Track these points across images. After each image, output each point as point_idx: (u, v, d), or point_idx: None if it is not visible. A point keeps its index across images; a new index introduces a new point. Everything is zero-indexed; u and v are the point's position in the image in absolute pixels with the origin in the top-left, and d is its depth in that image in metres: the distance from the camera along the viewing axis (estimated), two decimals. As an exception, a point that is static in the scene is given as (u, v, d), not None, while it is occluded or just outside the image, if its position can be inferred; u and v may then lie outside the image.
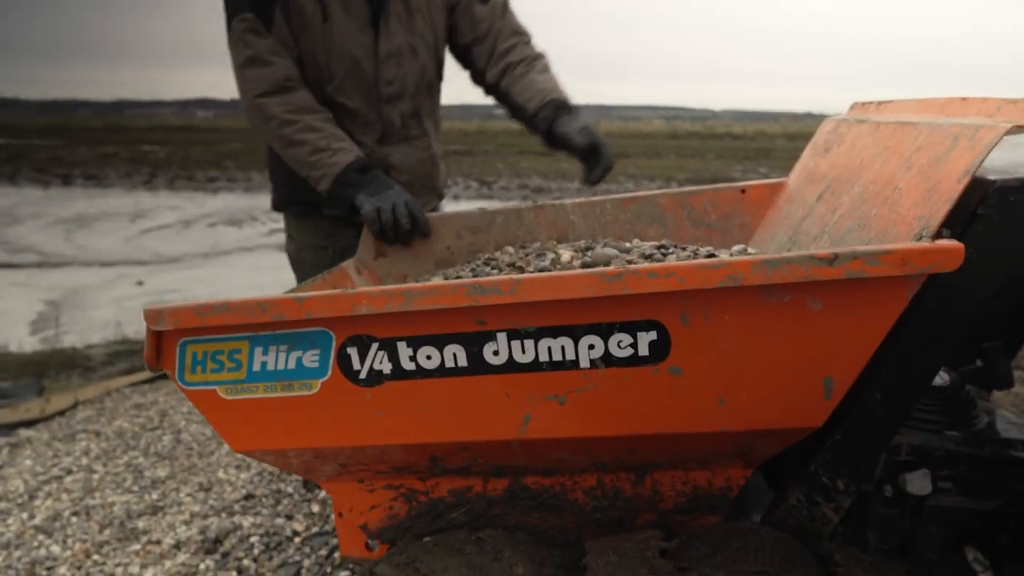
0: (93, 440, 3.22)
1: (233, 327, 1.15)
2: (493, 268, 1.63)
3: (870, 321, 1.04)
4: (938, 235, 1.02)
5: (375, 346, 1.14)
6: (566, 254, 1.56)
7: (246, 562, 2.10)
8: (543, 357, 1.11)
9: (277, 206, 2.23)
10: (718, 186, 1.93)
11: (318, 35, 1.91)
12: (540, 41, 2.18)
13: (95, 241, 11.36)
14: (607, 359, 1.10)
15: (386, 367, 1.15)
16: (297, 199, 2.12)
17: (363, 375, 1.16)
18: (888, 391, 1.16)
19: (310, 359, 1.17)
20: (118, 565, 2.15)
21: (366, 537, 1.43)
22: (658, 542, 1.19)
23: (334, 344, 1.15)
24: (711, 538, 1.20)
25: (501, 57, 2.10)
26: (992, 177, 1.06)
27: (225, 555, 2.15)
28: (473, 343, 1.12)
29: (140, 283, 8.46)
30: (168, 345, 1.18)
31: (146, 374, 4.42)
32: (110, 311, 7.06)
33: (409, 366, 1.15)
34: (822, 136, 1.74)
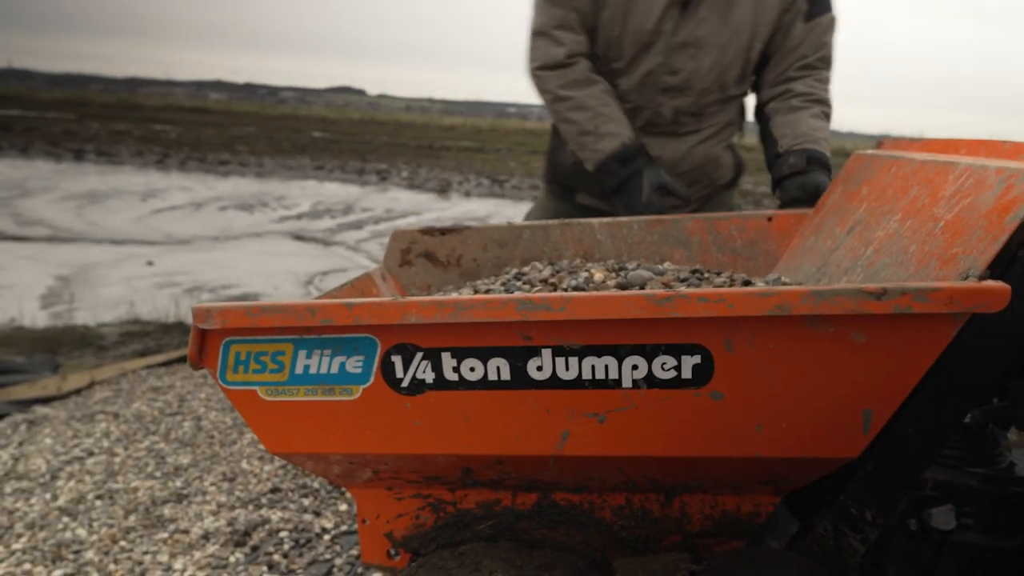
0: (112, 422, 3.23)
1: (280, 329, 1.16)
2: (525, 283, 1.64)
3: (912, 357, 1.06)
4: (984, 276, 1.04)
5: (419, 355, 1.15)
6: (599, 274, 1.58)
7: (276, 557, 2.10)
8: (586, 375, 1.13)
9: (544, 176, 2.24)
10: (745, 213, 1.96)
11: (619, 12, 1.87)
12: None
13: (105, 218, 11.46)
14: (650, 380, 1.11)
15: (429, 377, 1.16)
16: (557, 180, 2.15)
17: (405, 383, 1.17)
18: (922, 427, 1.17)
19: (353, 364, 1.18)
20: (146, 553, 2.15)
21: (389, 545, 1.44)
22: (687, 564, 1.20)
23: (379, 351, 1.16)
24: (739, 562, 1.21)
25: (786, 81, 1.94)
26: None
27: (255, 549, 2.15)
28: (518, 357, 1.13)
29: (150, 263, 8.47)
30: (212, 344, 1.19)
31: (162, 357, 4.44)
32: (120, 289, 7.09)
33: (452, 377, 1.16)
34: (852, 170, 1.77)
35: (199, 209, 12.78)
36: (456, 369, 1.15)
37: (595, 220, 1.99)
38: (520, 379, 1.14)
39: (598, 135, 1.87)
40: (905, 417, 1.16)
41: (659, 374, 1.11)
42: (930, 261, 1.17)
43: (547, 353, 1.12)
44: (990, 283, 1.00)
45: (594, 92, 1.89)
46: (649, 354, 1.10)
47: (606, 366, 1.12)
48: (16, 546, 2.24)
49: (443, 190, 17.55)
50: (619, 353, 1.11)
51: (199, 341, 1.19)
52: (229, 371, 1.21)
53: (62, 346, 4.87)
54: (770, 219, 1.93)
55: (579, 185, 2.10)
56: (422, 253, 2.03)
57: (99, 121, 30.24)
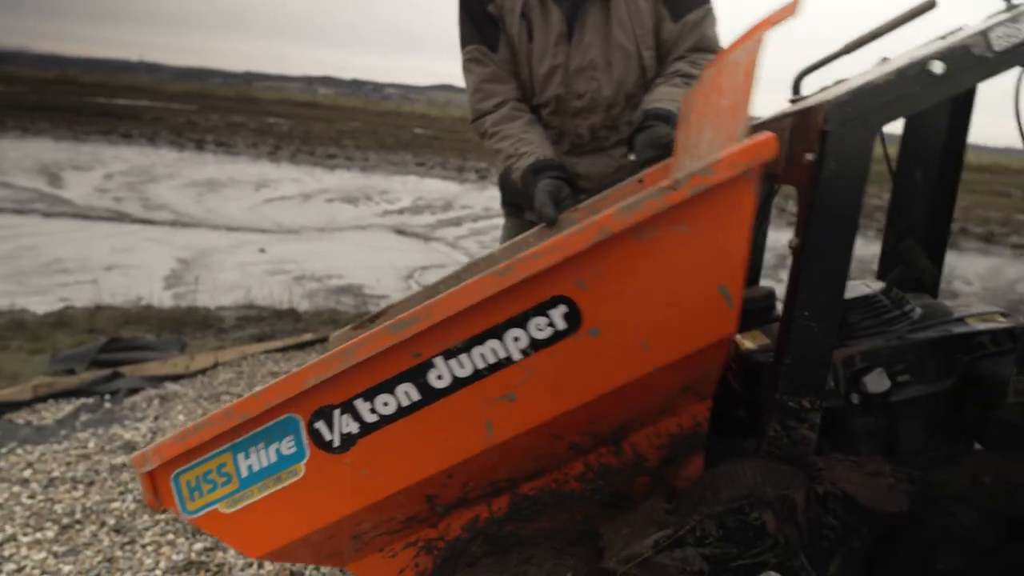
0: (241, 397, 3.45)
1: (211, 442, 1.26)
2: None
3: (733, 223, 1.17)
4: (751, 134, 1.16)
5: (337, 412, 1.26)
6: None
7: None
8: (480, 365, 1.23)
9: (501, 199, 2.49)
10: (618, 184, 2.08)
11: (524, 55, 2.15)
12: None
13: (222, 205, 11.97)
14: (534, 344, 1.22)
15: (353, 427, 1.26)
16: (507, 201, 2.42)
17: (336, 443, 1.27)
18: (813, 305, 1.24)
19: (287, 446, 1.28)
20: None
21: (408, 606, 1.49)
22: (662, 505, 1.26)
23: (302, 424, 1.26)
24: (703, 483, 1.27)
25: (659, 77, 2.13)
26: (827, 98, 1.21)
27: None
28: (417, 376, 1.23)
29: (262, 250, 8.80)
30: (162, 483, 1.29)
31: (279, 343, 4.68)
32: (235, 275, 7.41)
33: (372, 419, 1.26)
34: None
35: (307, 200, 13.17)
36: (373, 410, 1.26)
37: (498, 248, 2.12)
38: (428, 394, 1.24)
39: (518, 156, 2.15)
40: (795, 303, 1.24)
41: (538, 335, 1.21)
42: (725, 144, 1.29)
43: (439, 361, 1.23)
44: (755, 136, 1.12)
45: (517, 125, 2.18)
46: (521, 322, 1.21)
47: (492, 349, 1.22)
48: (160, 516, 2.48)
49: (539, 191, 17.71)
50: (498, 333, 1.21)
51: (151, 485, 1.29)
52: (187, 501, 1.31)
53: (186, 326, 5.13)
54: (641, 180, 2.05)
55: (524, 203, 2.33)
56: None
57: (218, 113, 31.80)
